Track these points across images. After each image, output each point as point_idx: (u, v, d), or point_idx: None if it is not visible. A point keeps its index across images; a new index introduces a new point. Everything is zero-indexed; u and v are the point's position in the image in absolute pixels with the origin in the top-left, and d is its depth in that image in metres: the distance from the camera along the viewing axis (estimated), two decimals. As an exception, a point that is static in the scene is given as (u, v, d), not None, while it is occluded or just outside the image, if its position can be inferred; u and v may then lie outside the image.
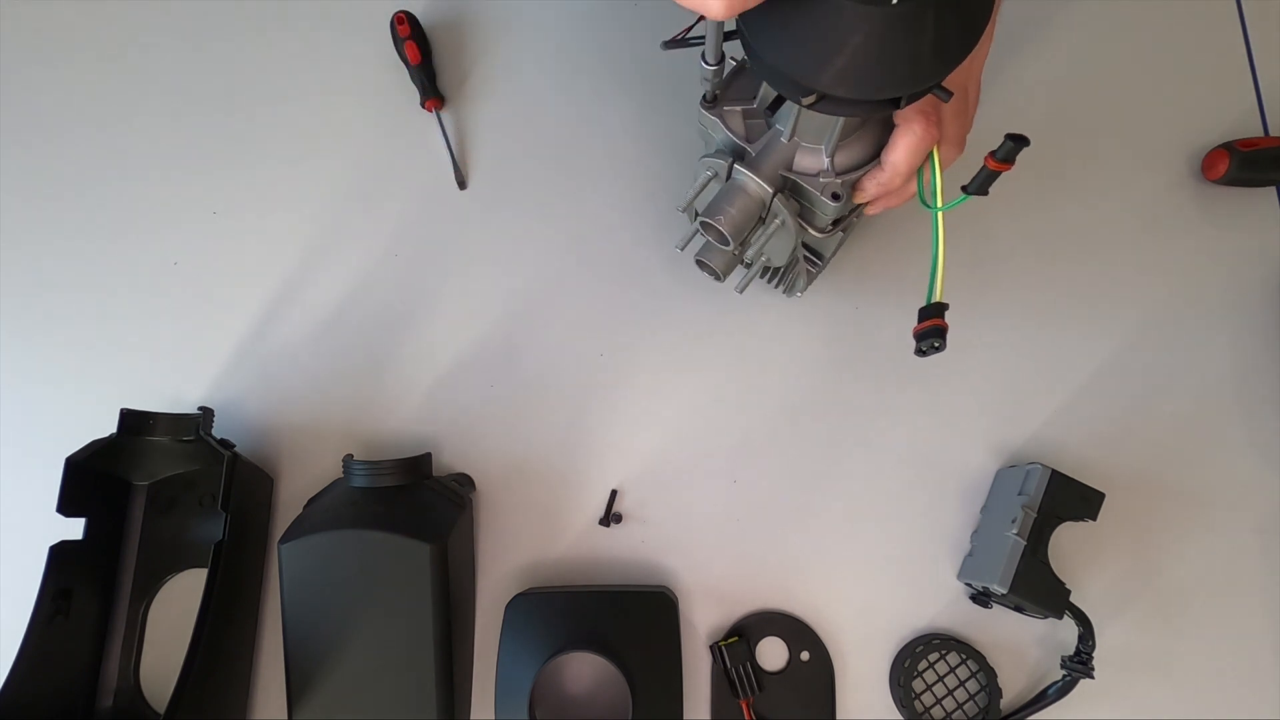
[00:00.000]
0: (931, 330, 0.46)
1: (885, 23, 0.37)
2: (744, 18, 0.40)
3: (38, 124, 0.78)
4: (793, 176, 0.52)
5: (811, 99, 0.41)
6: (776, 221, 0.54)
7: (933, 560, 0.71)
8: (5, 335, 0.75)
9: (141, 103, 0.79)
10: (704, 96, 0.53)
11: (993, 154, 0.43)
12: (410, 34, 0.76)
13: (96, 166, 0.78)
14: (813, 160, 0.52)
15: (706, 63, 0.48)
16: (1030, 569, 0.63)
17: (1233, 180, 0.74)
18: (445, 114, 0.78)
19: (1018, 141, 0.42)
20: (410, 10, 0.78)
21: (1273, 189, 0.76)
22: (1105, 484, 0.65)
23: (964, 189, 0.46)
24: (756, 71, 0.45)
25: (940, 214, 0.47)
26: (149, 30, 0.80)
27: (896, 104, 0.42)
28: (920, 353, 0.48)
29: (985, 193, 0.45)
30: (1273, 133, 0.77)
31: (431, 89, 0.77)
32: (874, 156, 0.52)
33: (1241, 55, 0.79)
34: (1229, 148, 0.73)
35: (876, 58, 0.38)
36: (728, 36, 0.46)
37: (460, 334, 0.75)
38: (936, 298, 0.47)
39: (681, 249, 0.60)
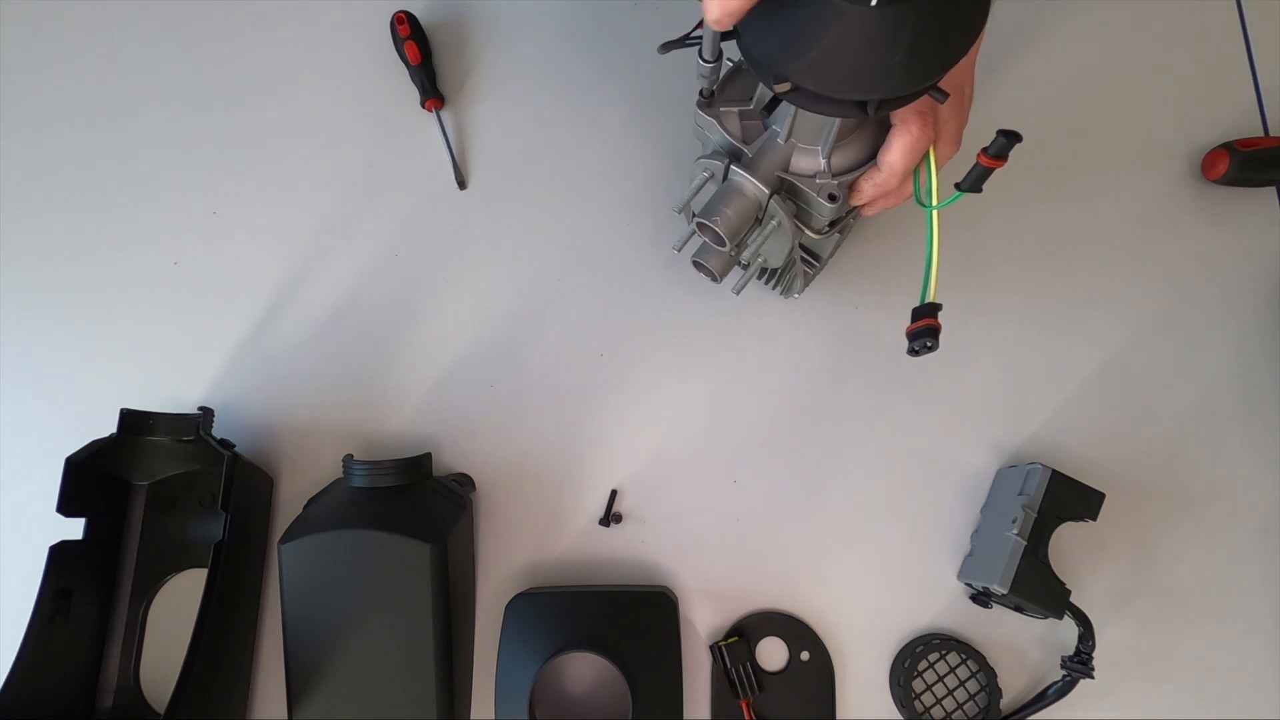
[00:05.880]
0: (924, 330, 0.46)
1: (863, 23, 0.37)
2: None
3: (38, 124, 0.79)
4: (789, 178, 0.52)
5: (785, 87, 0.41)
6: (773, 223, 0.54)
7: (933, 560, 0.71)
8: (5, 335, 0.75)
9: (141, 102, 0.79)
10: (700, 94, 0.53)
11: (985, 150, 0.43)
12: (410, 34, 0.76)
13: (96, 166, 0.78)
14: (809, 161, 0.52)
15: (704, 60, 0.48)
16: (1030, 569, 0.62)
17: (1233, 180, 0.74)
18: (445, 114, 0.79)
19: (1010, 137, 0.42)
20: (410, 10, 0.78)
21: (1273, 189, 0.76)
22: (1105, 484, 0.65)
23: (958, 186, 0.46)
24: (740, 51, 0.45)
25: (935, 213, 0.47)
26: (149, 30, 0.80)
27: (864, 108, 0.42)
28: (913, 352, 0.48)
29: (979, 190, 0.45)
30: (1273, 133, 0.77)
31: (431, 89, 0.77)
32: (870, 157, 0.51)
33: (1241, 55, 0.79)
34: (1229, 148, 0.73)
35: (850, 56, 0.38)
36: (725, 35, 0.46)
37: (460, 334, 0.75)
38: (930, 297, 0.47)
39: (679, 250, 0.60)
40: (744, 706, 0.67)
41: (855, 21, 0.37)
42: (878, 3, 0.36)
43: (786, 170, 0.52)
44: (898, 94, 0.40)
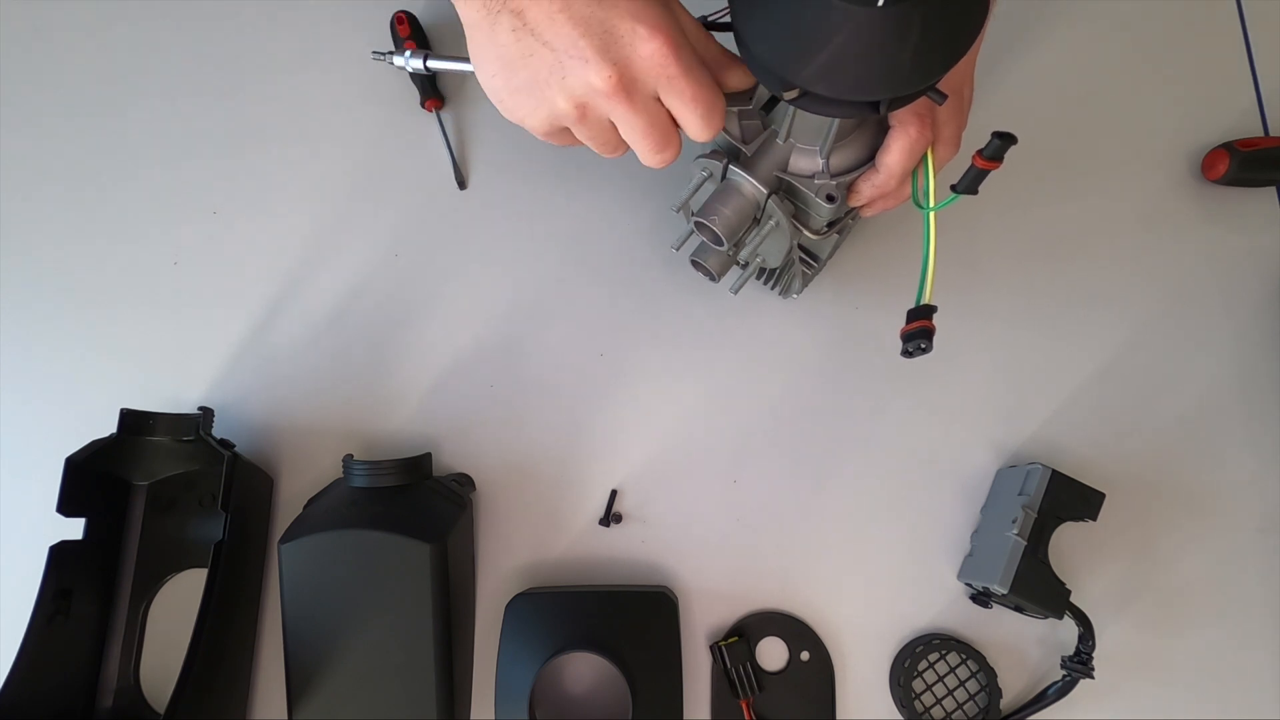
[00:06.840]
0: (919, 331, 0.46)
1: (870, 24, 0.36)
2: (735, 4, 0.40)
3: (37, 121, 0.79)
4: (787, 178, 0.52)
5: (794, 94, 0.41)
6: (771, 223, 0.54)
7: (933, 560, 0.71)
8: (5, 335, 0.75)
9: (141, 101, 0.79)
10: None
11: (980, 152, 0.43)
12: (410, 34, 0.76)
13: (96, 165, 0.78)
14: (808, 162, 0.52)
15: None
16: (1030, 569, 0.62)
17: (1233, 180, 0.74)
18: (445, 114, 0.79)
19: (1005, 139, 0.42)
20: (410, 10, 0.78)
21: (1273, 189, 0.76)
22: (1105, 484, 0.65)
23: (954, 188, 0.46)
24: (745, 60, 0.45)
25: (932, 215, 0.47)
26: (148, 31, 0.80)
27: (876, 108, 0.42)
28: (907, 354, 0.48)
29: (975, 191, 0.45)
30: (1273, 133, 0.77)
31: (431, 89, 0.77)
32: (869, 158, 0.51)
33: (1241, 55, 0.79)
34: (1229, 148, 0.73)
35: (859, 58, 0.38)
36: (723, 28, 0.46)
37: (460, 334, 0.75)
38: (926, 299, 0.47)
39: (677, 249, 0.60)
40: (744, 706, 0.67)
41: (863, 23, 0.37)
42: (884, 2, 0.36)
43: (785, 170, 0.52)
44: (905, 92, 0.40)
